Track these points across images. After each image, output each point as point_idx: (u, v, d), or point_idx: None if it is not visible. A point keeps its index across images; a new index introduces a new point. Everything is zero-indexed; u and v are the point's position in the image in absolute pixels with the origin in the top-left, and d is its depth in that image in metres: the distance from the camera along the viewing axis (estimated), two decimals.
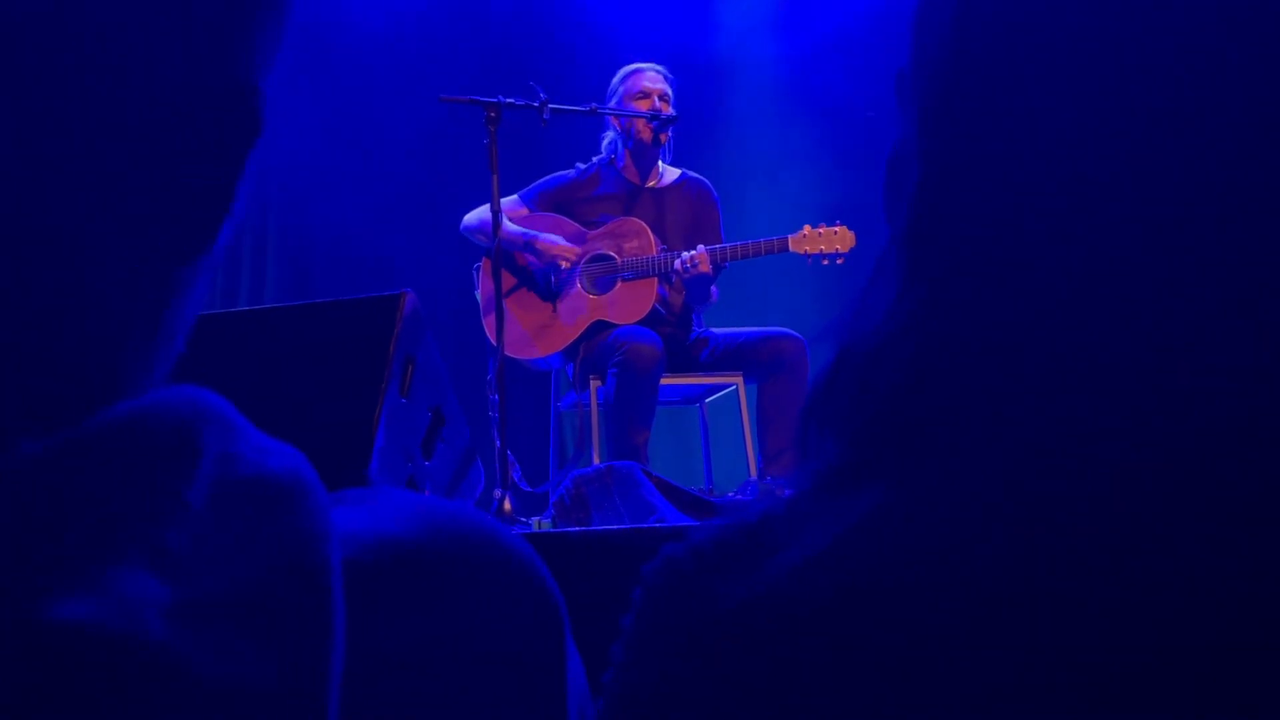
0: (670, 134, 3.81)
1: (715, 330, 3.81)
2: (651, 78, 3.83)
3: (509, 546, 0.43)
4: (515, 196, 3.88)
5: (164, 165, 0.39)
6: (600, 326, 3.69)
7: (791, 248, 3.65)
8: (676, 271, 3.61)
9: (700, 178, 3.95)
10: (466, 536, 0.42)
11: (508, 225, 3.67)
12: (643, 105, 3.78)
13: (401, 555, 0.40)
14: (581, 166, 3.94)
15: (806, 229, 3.66)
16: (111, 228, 0.38)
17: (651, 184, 3.88)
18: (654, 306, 3.68)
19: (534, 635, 0.42)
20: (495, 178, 3.02)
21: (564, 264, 3.73)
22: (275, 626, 0.33)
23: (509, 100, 3.09)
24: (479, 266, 3.84)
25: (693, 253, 3.59)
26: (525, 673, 0.41)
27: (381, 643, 0.38)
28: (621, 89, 3.85)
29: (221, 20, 0.40)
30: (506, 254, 3.69)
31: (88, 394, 0.38)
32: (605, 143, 3.93)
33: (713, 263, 3.63)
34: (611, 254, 3.76)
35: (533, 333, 3.78)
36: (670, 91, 3.83)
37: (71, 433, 0.33)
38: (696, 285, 3.65)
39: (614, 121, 3.85)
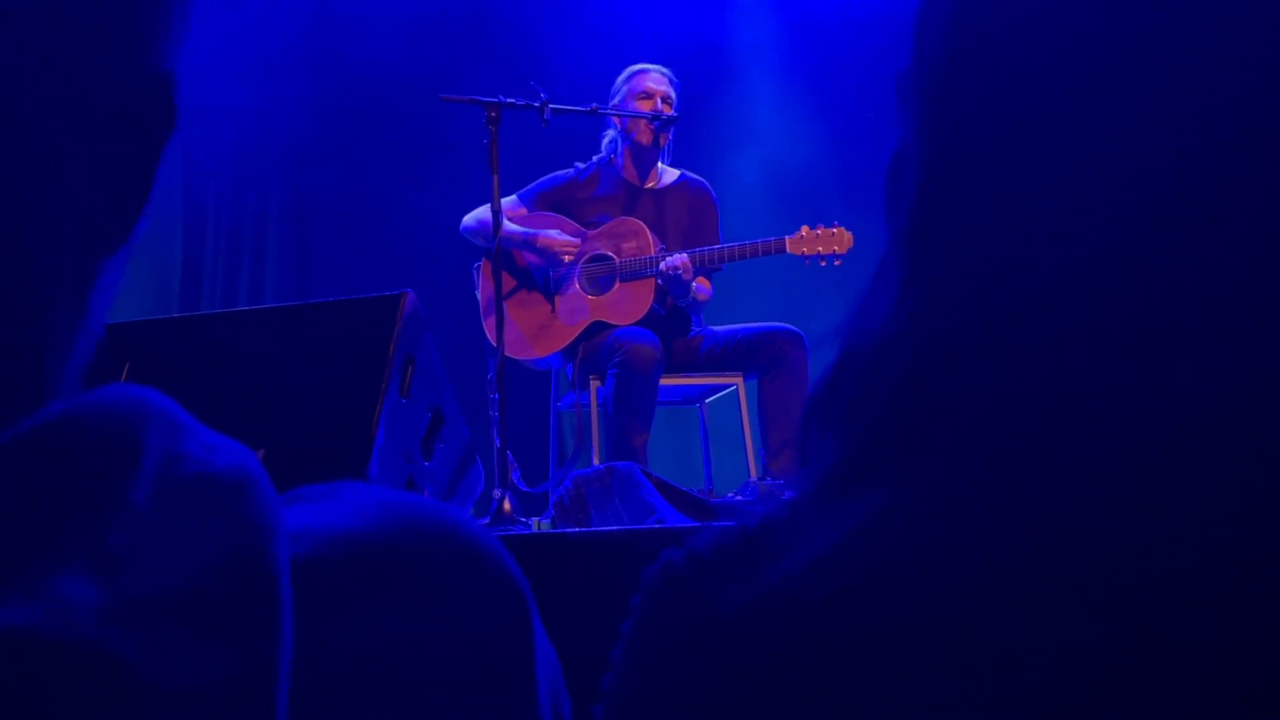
0: (671, 135, 3.80)
1: (714, 328, 3.81)
2: (655, 79, 3.83)
3: (469, 537, 0.42)
4: (514, 197, 3.88)
5: (81, 157, 0.39)
6: (599, 327, 3.69)
7: (789, 249, 3.64)
8: (660, 272, 3.61)
9: (699, 179, 3.95)
10: (425, 529, 0.42)
11: (508, 225, 3.66)
12: (645, 106, 3.78)
13: (359, 550, 0.40)
14: (580, 166, 3.93)
15: (804, 230, 3.65)
16: (33, 219, 0.38)
17: (650, 185, 3.87)
18: (652, 306, 3.68)
19: (499, 625, 0.41)
20: (496, 178, 3.02)
21: (566, 258, 3.72)
22: (220, 625, 0.32)
23: (509, 100, 3.09)
24: (478, 267, 3.84)
25: (674, 259, 3.59)
26: (492, 663, 0.40)
27: (342, 639, 0.38)
28: (625, 88, 3.85)
29: (131, 9, 0.40)
30: (506, 255, 3.68)
31: (15, 389, 0.37)
32: (605, 141, 3.93)
33: (710, 264, 3.63)
34: (610, 254, 3.75)
35: (532, 333, 3.77)
36: (674, 94, 3.83)
37: (4, 434, 0.33)
38: (676, 286, 3.64)
39: (615, 120, 3.85)
